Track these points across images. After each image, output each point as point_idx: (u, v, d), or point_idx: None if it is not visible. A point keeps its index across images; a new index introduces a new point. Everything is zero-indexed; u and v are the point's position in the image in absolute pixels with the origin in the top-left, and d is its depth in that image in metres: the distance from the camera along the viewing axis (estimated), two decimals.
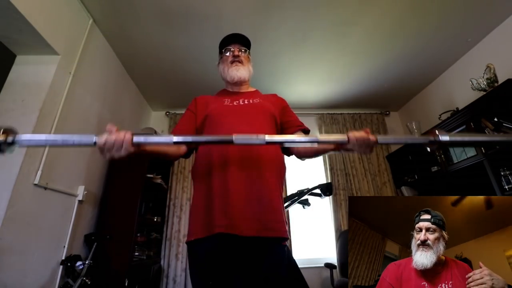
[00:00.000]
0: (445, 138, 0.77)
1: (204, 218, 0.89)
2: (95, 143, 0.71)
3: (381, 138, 0.87)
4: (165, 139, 0.82)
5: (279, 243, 0.90)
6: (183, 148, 1.03)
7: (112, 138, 0.71)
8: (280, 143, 0.95)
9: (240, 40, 1.19)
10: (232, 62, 1.15)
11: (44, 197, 1.64)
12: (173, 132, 1.05)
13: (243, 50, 1.18)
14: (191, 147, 1.06)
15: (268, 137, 0.77)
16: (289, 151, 1.11)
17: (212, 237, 0.84)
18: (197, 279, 0.88)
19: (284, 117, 1.13)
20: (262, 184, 0.91)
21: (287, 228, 0.94)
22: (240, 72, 1.14)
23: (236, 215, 0.85)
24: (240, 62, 1.15)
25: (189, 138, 0.90)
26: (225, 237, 0.83)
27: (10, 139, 0.67)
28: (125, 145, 0.73)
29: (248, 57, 1.20)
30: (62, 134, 0.75)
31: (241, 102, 1.09)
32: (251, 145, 0.90)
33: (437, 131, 0.78)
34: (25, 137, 0.70)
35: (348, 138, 0.85)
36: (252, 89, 1.22)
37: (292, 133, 1.09)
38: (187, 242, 0.92)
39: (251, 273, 0.85)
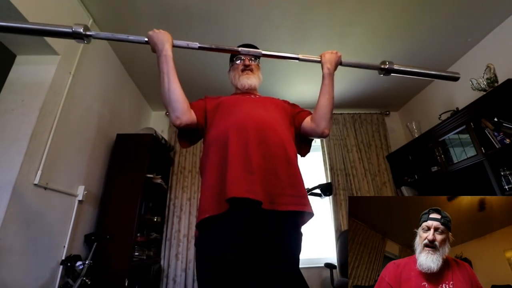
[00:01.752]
0: (391, 66, 1.16)
1: (218, 185, 0.83)
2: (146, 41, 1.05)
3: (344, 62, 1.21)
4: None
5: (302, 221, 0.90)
6: (190, 116, 0.99)
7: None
8: (275, 57, 1.18)
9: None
10: (243, 71, 1.20)
11: (44, 197, 1.64)
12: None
13: (253, 59, 1.23)
14: (199, 123, 1.04)
15: (264, 52, 1.16)
16: (307, 138, 1.13)
17: (228, 214, 0.77)
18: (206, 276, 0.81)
19: (295, 109, 1.19)
20: (285, 158, 0.90)
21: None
22: (250, 80, 1.19)
23: (257, 179, 0.81)
24: (251, 70, 1.21)
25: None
26: (245, 208, 0.78)
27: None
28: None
29: (258, 66, 1.26)
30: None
31: (252, 96, 1.16)
32: (252, 55, 1.16)
33: (387, 62, 1.18)
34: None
35: (321, 56, 1.18)
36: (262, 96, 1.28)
37: (305, 116, 1.13)
38: (197, 225, 0.85)
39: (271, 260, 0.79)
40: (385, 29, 2.30)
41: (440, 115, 2.69)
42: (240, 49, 1.12)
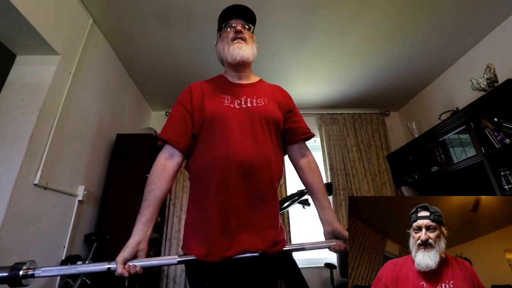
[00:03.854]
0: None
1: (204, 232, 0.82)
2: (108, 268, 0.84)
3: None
4: (167, 260, 0.85)
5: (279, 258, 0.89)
6: (176, 169, 0.90)
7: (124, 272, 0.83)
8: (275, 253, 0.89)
9: (244, 14, 1.02)
10: (233, 39, 0.97)
11: (44, 197, 1.64)
12: (163, 133, 0.90)
13: (246, 27, 1.01)
14: (187, 149, 0.92)
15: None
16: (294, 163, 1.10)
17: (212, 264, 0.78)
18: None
19: (288, 122, 1.01)
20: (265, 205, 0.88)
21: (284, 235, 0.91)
22: (243, 50, 0.95)
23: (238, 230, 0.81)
24: (243, 39, 0.97)
25: (190, 256, 0.81)
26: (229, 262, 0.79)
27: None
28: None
29: (252, 36, 1.03)
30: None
31: (243, 103, 0.93)
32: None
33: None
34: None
35: (330, 246, 0.91)
36: (255, 78, 1.06)
37: (294, 142, 1.03)
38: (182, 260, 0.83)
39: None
40: (385, 29, 2.30)
41: (440, 115, 2.69)
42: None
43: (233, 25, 1.00)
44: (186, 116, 0.92)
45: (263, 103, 0.95)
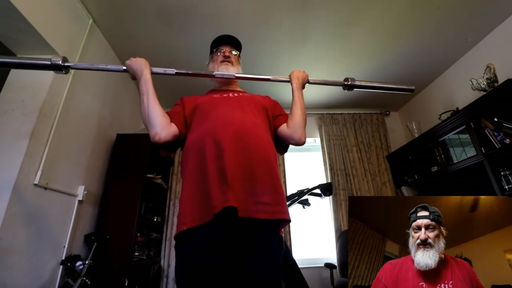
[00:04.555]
0: (353, 82, 1.27)
1: (199, 199, 0.82)
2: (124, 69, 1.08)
3: (312, 80, 1.23)
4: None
5: (278, 228, 0.88)
6: (169, 131, 0.97)
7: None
8: (248, 78, 1.18)
9: (232, 42, 1.21)
10: (222, 62, 1.17)
11: (44, 197, 1.64)
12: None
13: (234, 52, 1.20)
14: (181, 133, 1.01)
15: (238, 74, 1.14)
16: (284, 143, 1.12)
17: (207, 224, 0.78)
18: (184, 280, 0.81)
19: (275, 111, 1.14)
20: (263, 162, 0.89)
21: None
22: (229, 71, 1.15)
23: (235, 188, 0.80)
24: (230, 62, 1.17)
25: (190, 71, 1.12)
26: (221, 221, 0.77)
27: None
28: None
29: (238, 60, 1.22)
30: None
31: (230, 94, 1.11)
32: (226, 77, 1.12)
33: (350, 78, 1.27)
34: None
35: (290, 74, 1.19)
36: (241, 90, 1.22)
37: (282, 122, 1.10)
38: (175, 237, 0.85)
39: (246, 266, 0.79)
40: (385, 30, 2.30)
41: (440, 115, 2.69)
42: (215, 73, 1.12)
43: (222, 50, 1.20)
44: (178, 108, 1.09)
45: (249, 95, 1.14)
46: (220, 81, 1.17)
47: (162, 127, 0.96)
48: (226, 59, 1.17)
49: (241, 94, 1.12)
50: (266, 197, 0.83)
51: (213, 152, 0.86)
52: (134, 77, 1.07)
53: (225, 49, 1.19)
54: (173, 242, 2.81)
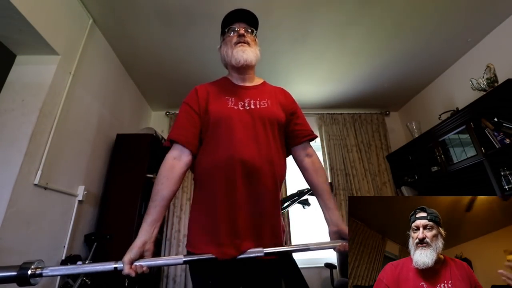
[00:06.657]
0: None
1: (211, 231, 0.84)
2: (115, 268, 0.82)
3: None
4: (173, 260, 0.83)
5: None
6: (184, 170, 0.90)
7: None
8: (277, 254, 0.84)
9: (247, 18, 1.03)
10: (237, 43, 0.99)
11: (44, 197, 1.64)
12: (173, 134, 0.91)
13: (249, 30, 1.02)
14: (193, 154, 0.92)
15: (266, 250, 0.80)
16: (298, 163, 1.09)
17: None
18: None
19: (291, 125, 1.03)
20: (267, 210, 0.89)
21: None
22: (246, 54, 0.97)
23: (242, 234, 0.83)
24: (247, 43, 0.99)
25: (195, 256, 0.81)
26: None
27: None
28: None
29: (255, 39, 1.04)
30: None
31: (246, 105, 0.95)
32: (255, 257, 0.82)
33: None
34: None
35: (335, 247, 0.91)
36: (259, 80, 1.08)
37: (297, 143, 1.03)
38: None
39: None
40: (385, 29, 2.30)
41: (440, 115, 2.69)
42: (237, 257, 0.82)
43: (236, 29, 1.01)
44: (194, 117, 0.94)
45: (266, 105, 0.97)
46: (236, 63, 0.98)
47: (181, 180, 0.90)
48: (241, 39, 0.98)
49: (258, 104, 0.96)
50: (267, 241, 0.86)
51: (224, 192, 0.85)
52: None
53: (240, 27, 1.01)
54: (173, 242, 2.82)
